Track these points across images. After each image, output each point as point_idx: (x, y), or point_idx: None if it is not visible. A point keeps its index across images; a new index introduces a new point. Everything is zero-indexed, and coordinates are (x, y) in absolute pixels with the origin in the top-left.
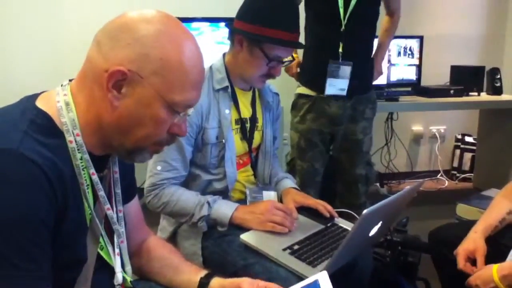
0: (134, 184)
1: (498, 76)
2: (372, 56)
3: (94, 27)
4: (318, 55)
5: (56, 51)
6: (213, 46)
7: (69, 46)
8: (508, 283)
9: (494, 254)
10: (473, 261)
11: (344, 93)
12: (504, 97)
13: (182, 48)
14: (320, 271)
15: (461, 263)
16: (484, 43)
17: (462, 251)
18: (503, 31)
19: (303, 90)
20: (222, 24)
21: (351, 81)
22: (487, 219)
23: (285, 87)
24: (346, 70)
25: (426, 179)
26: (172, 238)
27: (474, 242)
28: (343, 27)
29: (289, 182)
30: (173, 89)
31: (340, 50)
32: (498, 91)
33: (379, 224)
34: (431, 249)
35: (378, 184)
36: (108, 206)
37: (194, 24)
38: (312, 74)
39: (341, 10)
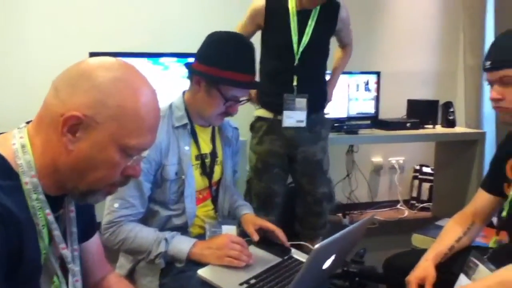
0: (93, 221)
1: (452, 110)
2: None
3: (61, 67)
4: (273, 87)
5: (23, 90)
6: (179, 80)
7: (36, 85)
8: None
9: (444, 281)
10: None
11: (303, 124)
12: (458, 129)
13: (138, 95)
14: None
15: None
16: (438, 79)
17: (413, 279)
18: (455, 67)
19: (261, 112)
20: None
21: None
22: (438, 247)
23: (246, 109)
24: (302, 102)
25: (386, 209)
26: (130, 275)
27: (424, 270)
28: (296, 61)
29: (247, 208)
30: (128, 134)
31: (295, 83)
32: (451, 123)
33: (333, 257)
34: (386, 279)
35: (340, 214)
36: (63, 245)
37: (162, 59)
38: (269, 99)
39: (295, 45)
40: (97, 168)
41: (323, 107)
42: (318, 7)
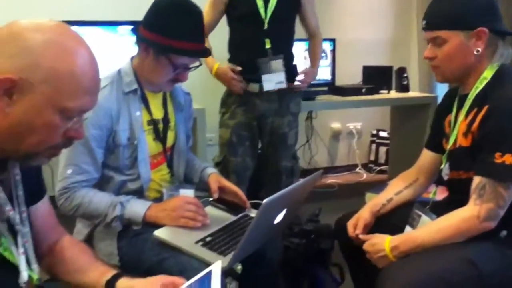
0: (41, 185)
1: (405, 75)
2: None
3: None
4: (245, 53)
5: None
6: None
7: None
8: (397, 254)
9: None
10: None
11: (284, 85)
12: (411, 94)
13: (73, 56)
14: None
15: (351, 231)
16: (392, 45)
17: (349, 223)
18: (408, 34)
19: None
20: None
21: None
22: (376, 199)
23: (211, 88)
24: (278, 63)
25: (345, 173)
26: (88, 241)
27: (359, 214)
28: (266, 25)
29: (212, 169)
30: (65, 97)
31: (268, 46)
32: (405, 88)
33: (284, 212)
34: (337, 235)
35: (301, 179)
36: (10, 207)
37: (119, 28)
38: (241, 70)
39: (262, 10)
40: (35, 132)
41: (292, 79)
42: None
